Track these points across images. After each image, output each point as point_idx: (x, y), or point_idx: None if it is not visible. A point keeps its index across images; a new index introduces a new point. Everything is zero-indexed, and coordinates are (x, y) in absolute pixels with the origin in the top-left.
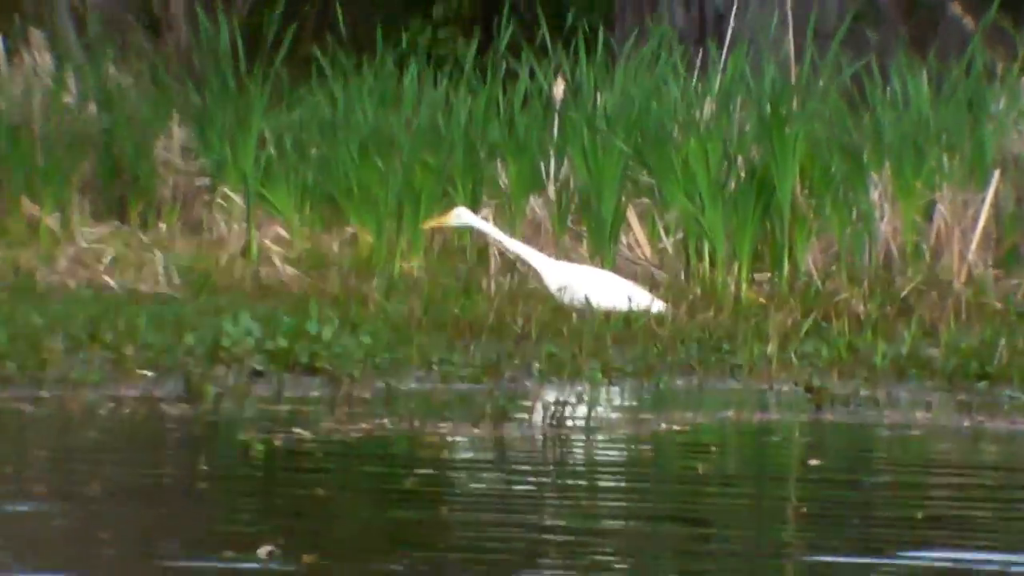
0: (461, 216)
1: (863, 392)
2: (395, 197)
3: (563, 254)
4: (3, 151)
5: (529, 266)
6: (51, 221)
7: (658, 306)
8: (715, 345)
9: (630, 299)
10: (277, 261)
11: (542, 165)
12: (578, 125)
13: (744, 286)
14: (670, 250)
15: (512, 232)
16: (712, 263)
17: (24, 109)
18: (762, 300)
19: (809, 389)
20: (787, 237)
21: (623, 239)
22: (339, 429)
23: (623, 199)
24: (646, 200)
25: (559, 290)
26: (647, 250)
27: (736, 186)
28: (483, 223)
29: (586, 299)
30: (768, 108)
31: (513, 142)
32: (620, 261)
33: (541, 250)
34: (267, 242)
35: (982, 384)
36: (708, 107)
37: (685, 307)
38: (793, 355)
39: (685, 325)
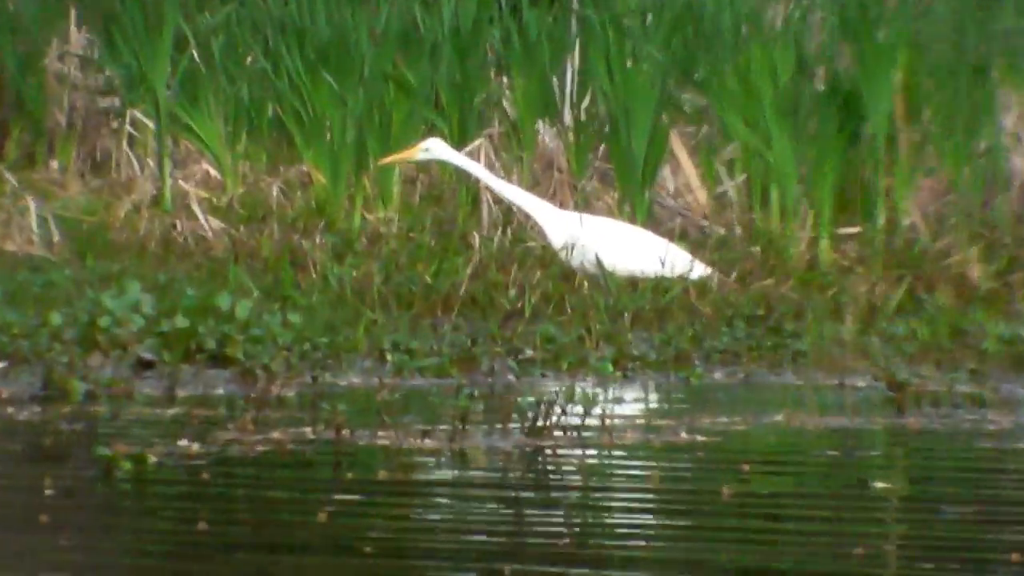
0: (433, 149)
1: (963, 388)
2: (357, 125)
3: (584, 202)
4: None
5: (529, 218)
6: None
7: (699, 271)
8: (774, 325)
9: (662, 262)
10: (198, 211)
11: (555, 81)
12: (601, 26)
13: (823, 244)
14: (733, 197)
15: (519, 171)
16: (782, 214)
17: None
18: (846, 263)
19: (892, 384)
20: (883, 178)
21: (669, 182)
22: (240, 440)
23: (664, 125)
24: (694, 129)
25: (565, 248)
26: (701, 196)
27: (815, 109)
28: (463, 159)
29: (598, 261)
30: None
31: (520, 50)
32: (659, 212)
33: (553, 196)
34: (187, 186)
35: None
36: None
37: (737, 273)
38: (876, 339)
39: (736, 297)
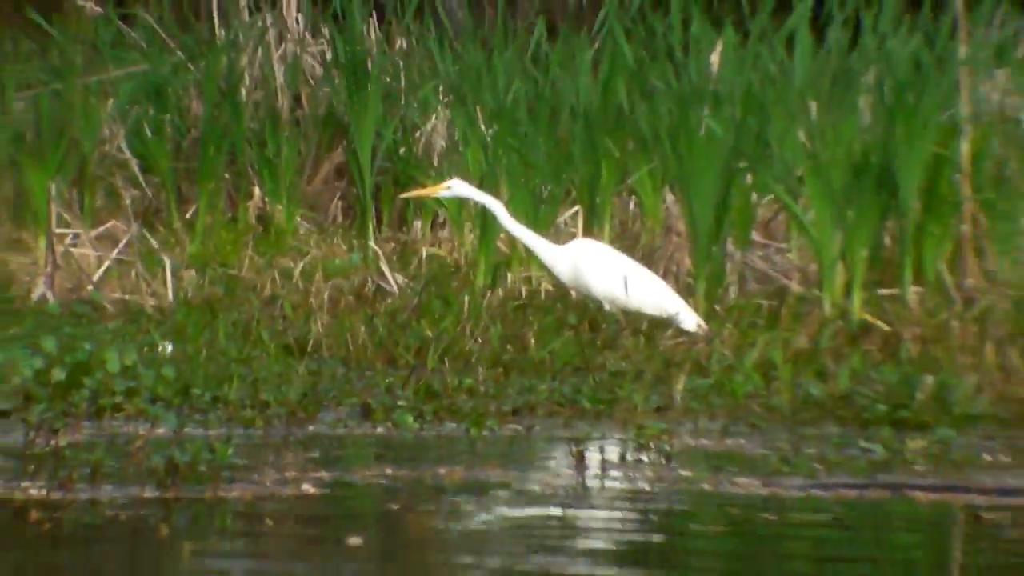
0: (455, 187)
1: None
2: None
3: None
4: None
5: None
6: None
7: (690, 321)
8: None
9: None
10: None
11: None
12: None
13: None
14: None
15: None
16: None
17: None
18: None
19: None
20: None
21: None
22: None
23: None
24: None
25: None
26: None
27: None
28: (484, 196)
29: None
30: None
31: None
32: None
33: (670, 259)
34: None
35: None
36: None
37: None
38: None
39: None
